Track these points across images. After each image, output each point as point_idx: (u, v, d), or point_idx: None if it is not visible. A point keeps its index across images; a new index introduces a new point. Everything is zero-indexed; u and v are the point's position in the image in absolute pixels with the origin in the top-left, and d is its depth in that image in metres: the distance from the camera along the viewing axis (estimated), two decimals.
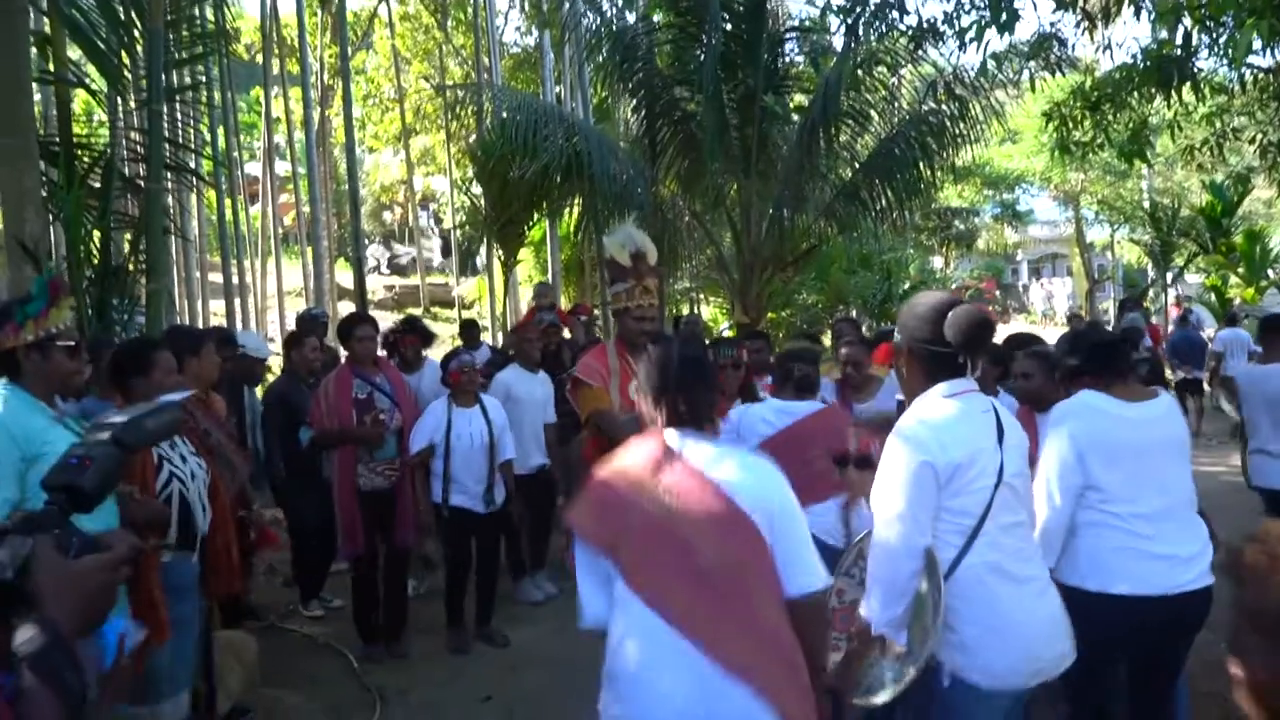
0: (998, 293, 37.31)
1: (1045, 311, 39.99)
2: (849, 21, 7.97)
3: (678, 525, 2.24)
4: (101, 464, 1.45)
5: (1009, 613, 2.44)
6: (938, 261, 29.45)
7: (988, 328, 2.52)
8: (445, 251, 27.86)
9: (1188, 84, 7.71)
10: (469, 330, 9.33)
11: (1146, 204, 25.51)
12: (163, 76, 6.00)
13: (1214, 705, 4.32)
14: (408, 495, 5.41)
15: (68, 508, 1.39)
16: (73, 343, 3.07)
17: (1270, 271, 23.37)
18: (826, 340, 8.97)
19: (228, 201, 13.65)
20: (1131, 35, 46.30)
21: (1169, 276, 24.90)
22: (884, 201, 9.89)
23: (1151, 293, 25.85)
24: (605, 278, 4.12)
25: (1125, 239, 29.82)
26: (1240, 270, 22.62)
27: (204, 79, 8.38)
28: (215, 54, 8.16)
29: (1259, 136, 9.23)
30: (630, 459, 2.40)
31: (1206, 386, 13.12)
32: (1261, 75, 8.17)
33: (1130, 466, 3.12)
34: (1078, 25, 7.85)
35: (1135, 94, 8.51)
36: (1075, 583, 3.03)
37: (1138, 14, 6.86)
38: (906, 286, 19.11)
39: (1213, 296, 22.70)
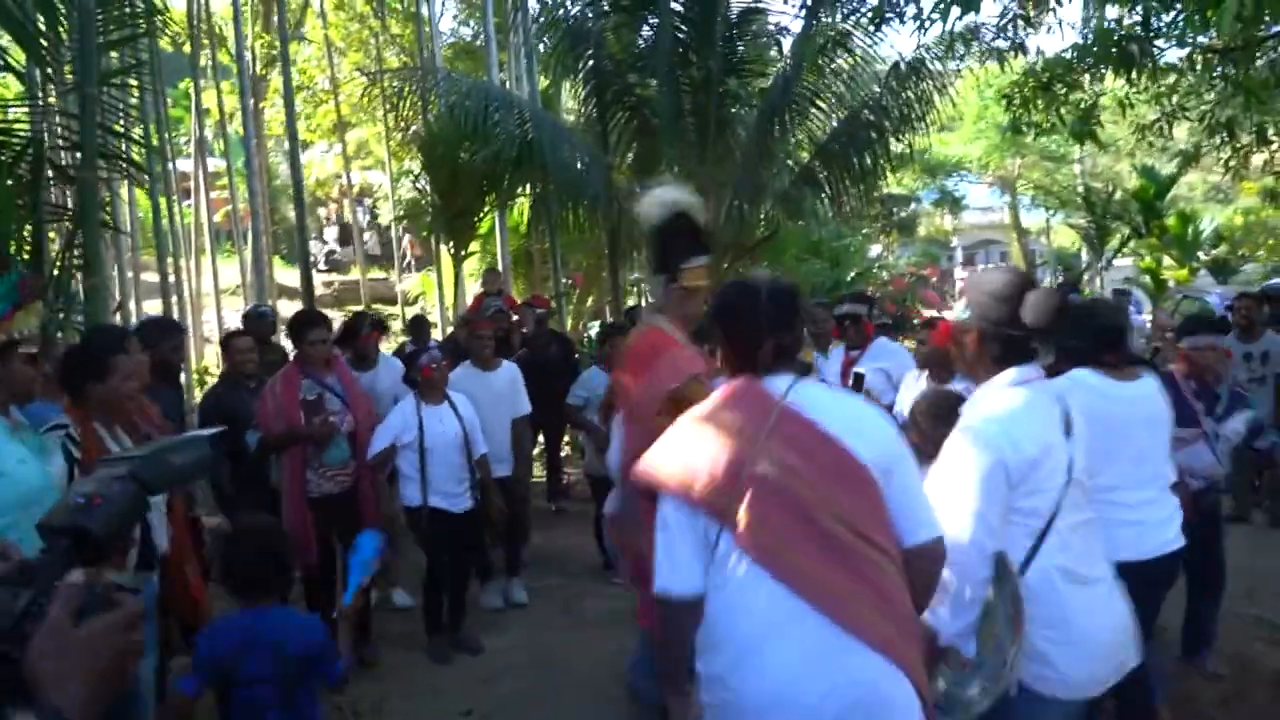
0: (933, 280, 37.78)
1: None
2: (809, 2, 7.87)
3: (797, 483, 2.02)
4: (115, 504, 1.19)
5: (1080, 619, 2.28)
6: (877, 249, 29.63)
7: (1066, 313, 2.37)
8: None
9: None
10: (418, 326, 9.03)
11: (1081, 189, 26.02)
12: (97, 58, 5.62)
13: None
14: (368, 499, 5.06)
15: (71, 555, 1.13)
16: (34, 350, 2.79)
17: (1201, 253, 24.00)
18: None
19: (161, 198, 13.05)
20: (1075, 16, 47.16)
21: (1103, 260, 25.43)
22: (839, 187, 9.81)
23: (1086, 276, 26.36)
24: (668, 244, 3.45)
25: (1061, 224, 30.43)
26: (1173, 252, 23.17)
27: (135, 63, 7.90)
28: (150, 35, 7.74)
29: (1207, 116, 9.33)
30: (731, 410, 2.15)
31: None
32: (1211, 56, 8.23)
33: (1110, 442, 3.13)
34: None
35: (1087, 74, 8.54)
36: None
37: None
38: (853, 274, 19.29)
39: (1147, 279, 23.20)
